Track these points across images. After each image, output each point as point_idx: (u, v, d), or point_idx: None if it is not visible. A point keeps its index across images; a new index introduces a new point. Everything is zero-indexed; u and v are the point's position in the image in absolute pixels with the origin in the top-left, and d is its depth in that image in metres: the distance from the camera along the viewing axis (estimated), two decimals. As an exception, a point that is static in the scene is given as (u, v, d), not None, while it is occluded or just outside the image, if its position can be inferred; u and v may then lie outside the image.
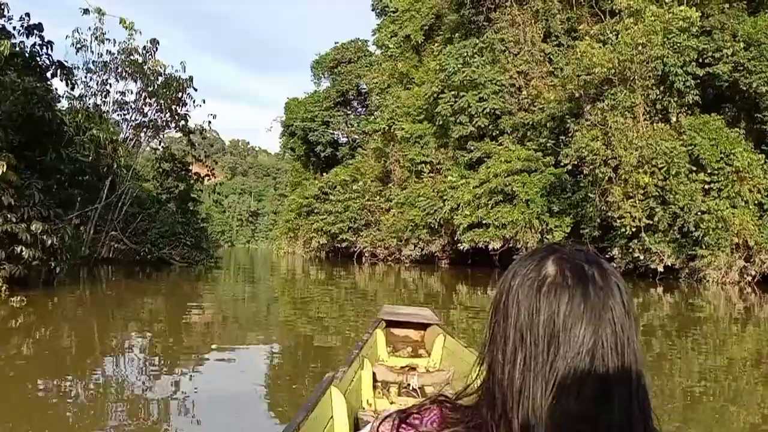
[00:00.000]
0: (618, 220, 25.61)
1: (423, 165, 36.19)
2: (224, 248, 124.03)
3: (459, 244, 32.48)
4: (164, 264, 22.73)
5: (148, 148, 25.96)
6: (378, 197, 41.94)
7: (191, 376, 6.74)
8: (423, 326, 6.15)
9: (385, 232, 39.53)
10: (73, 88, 17.82)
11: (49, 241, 11.16)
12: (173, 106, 23.69)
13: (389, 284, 24.22)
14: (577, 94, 27.86)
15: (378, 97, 43.26)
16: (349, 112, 58.04)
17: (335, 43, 58.15)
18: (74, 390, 5.93)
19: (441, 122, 34.04)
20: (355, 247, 43.12)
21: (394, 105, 39.07)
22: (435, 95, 34.52)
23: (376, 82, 43.36)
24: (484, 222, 30.00)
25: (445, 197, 33.62)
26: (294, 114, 58.31)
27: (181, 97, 23.71)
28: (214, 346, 8.78)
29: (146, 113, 23.93)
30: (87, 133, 12.94)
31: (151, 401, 5.51)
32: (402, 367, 4.86)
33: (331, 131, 56.36)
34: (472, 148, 33.71)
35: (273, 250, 61.80)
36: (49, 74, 15.22)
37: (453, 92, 33.31)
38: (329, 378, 3.21)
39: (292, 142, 59.50)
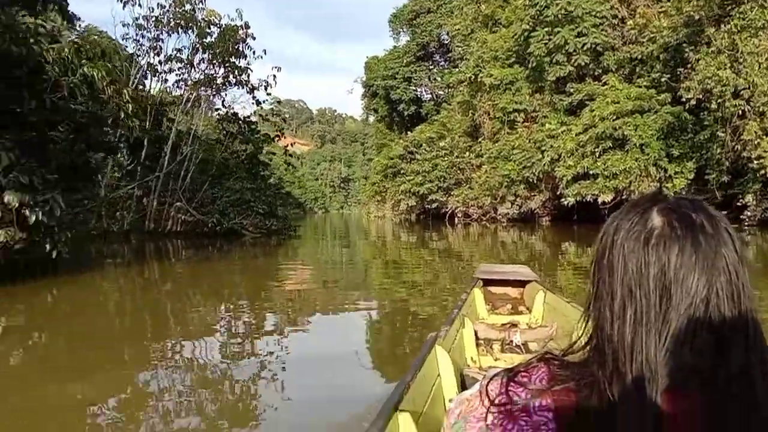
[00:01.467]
0: (755, 162, 21.73)
1: (516, 114, 32.85)
2: (319, 214, 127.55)
3: (562, 199, 29.52)
4: (235, 235, 21.34)
5: (216, 114, 24.44)
6: (468, 153, 39.07)
7: (297, 338, 6.76)
8: (521, 283, 6.05)
9: (477, 190, 36.76)
10: (70, 23, 16.05)
11: (33, 217, 8.79)
12: (231, 59, 21.77)
13: (485, 245, 22.32)
14: (697, 17, 23.66)
15: (461, 45, 39.89)
16: (431, 66, 54.91)
17: (413, -7, 54.81)
18: (184, 353, 6.09)
19: (534, 64, 30.49)
20: (446, 207, 40.64)
21: (479, 51, 35.65)
22: (526, 34, 30.95)
23: (459, 29, 39.94)
24: (591, 172, 27.21)
25: (543, 148, 30.42)
26: (374, 73, 55.95)
27: (239, 48, 21.73)
28: (312, 312, 8.64)
29: (203, 70, 22.22)
30: (77, 72, 10.34)
31: (257, 363, 5.60)
32: (503, 325, 4.80)
33: (414, 88, 53.54)
34: (571, 90, 30.31)
35: (363, 215, 60.28)
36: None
37: (546, 29, 29.71)
38: (433, 337, 3.19)
39: (375, 102, 57.26)
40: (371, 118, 62.38)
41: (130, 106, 17.61)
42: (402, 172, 43.29)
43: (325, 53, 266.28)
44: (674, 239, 0.76)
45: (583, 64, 29.54)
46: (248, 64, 22.62)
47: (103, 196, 19.01)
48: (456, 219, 40.07)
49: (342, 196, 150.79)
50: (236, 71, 22.33)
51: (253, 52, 22.26)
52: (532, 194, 33.07)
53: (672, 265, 0.75)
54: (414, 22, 53.55)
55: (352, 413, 3.78)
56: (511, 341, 4.40)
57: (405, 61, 53.34)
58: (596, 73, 30.21)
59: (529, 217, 35.15)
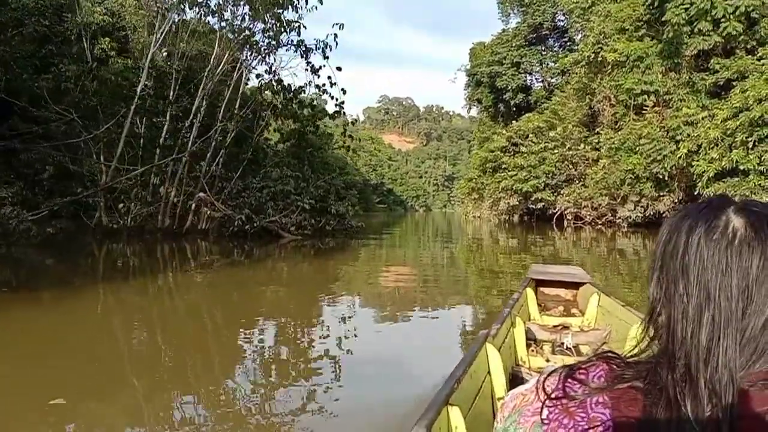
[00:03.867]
0: None
1: (645, 96, 27.23)
2: (420, 212, 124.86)
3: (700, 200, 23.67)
4: (270, 236, 17.10)
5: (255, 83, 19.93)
6: (582, 145, 33.75)
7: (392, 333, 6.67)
8: (575, 285, 5.94)
9: (592, 188, 31.41)
10: None
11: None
12: (276, 11, 17.05)
13: (599, 254, 18.83)
14: None
15: (579, 21, 34.42)
16: (544, 50, 49.36)
17: (525, -29, 49.56)
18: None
19: (670, 35, 24.87)
20: (554, 208, 35.60)
21: (601, 26, 30.21)
22: (661, -2, 25.39)
23: (577, 2, 34.50)
24: (741, 167, 21.90)
25: (678, 137, 24.91)
26: (479, 59, 51.25)
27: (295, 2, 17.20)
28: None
29: (242, 26, 17.43)
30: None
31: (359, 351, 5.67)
32: (554, 326, 4.76)
33: (522, 74, 48.29)
34: (716, 66, 24.58)
35: (462, 214, 55.71)
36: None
37: (688, -11, 24.07)
38: (484, 335, 3.18)
39: (479, 92, 52.57)
40: (474, 111, 57.50)
41: (145, 70, 14.38)
42: (503, 166, 38.38)
43: (436, 49, 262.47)
44: (757, 242, 0.74)
45: (733, 33, 23.77)
46: (300, 18, 17.87)
47: (104, 182, 15.68)
48: (565, 221, 34.90)
49: (445, 194, 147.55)
50: (282, 26, 17.58)
51: (305, 2, 17.70)
52: (661, 194, 27.40)
53: (754, 269, 0.74)
54: (525, 1, 48.37)
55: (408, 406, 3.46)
56: (562, 343, 4.36)
57: (514, 44, 48.28)
58: (749, 46, 24.62)
59: (655, 222, 29.42)
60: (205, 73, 16.86)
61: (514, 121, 41.21)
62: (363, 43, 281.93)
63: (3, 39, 16.63)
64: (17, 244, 13.43)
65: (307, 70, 18.60)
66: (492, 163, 39.57)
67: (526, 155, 36.61)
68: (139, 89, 15.73)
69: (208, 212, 16.90)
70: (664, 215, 28.48)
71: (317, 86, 18.79)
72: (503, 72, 48.14)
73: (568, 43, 48.11)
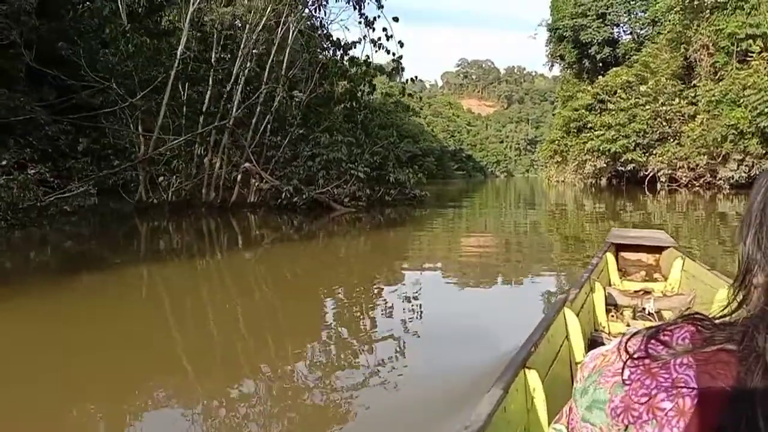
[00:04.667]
0: None
1: (750, 41, 24.26)
2: (501, 178, 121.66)
3: None
4: (321, 209, 15.71)
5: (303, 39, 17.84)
6: (677, 100, 30.89)
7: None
8: (657, 249, 5.64)
9: (689, 146, 28.75)
10: None
11: None
12: None
13: (697, 220, 17.12)
14: None
15: (673, -40, 31.16)
16: (632, -1, 45.61)
17: None
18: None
19: (782, -32, 21.85)
20: (646, 169, 32.96)
21: (698, -36, 27.15)
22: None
23: (670, -59, 31.28)
24: None
25: (791, 85, 21.98)
26: (561, 12, 48.06)
27: None
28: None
29: None
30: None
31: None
32: (635, 291, 4.63)
33: (608, 26, 44.87)
34: (839, 2, 21.29)
35: (544, 179, 53.17)
36: None
37: None
38: (562, 299, 3.15)
39: (561, 47, 49.49)
40: (556, 69, 54.25)
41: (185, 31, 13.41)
42: (589, 126, 35.81)
43: (516, 6, 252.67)
44: None
45: None
46: None
47: (142, 154, 14.86)
48: (658, 184, 32.29)
49: (528, 159, 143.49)
50: None
51: None
52: (769, 151, 24.59)
53: None
54: (612, -55, 44.72)
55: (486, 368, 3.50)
56: (644, 308, 4.28)
57: (600, -7, 44.84)
58: None
59: (762, 182, 26.51)
60: (245, 31, 15.65)
61: (600, 77, 38.34)
62: (439, 4, 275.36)
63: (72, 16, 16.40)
64: (53, 224, 12.90)
65: (360, 22, 16.71)
66: (576, 123, 37.05)
67: (614, 113, 33.97)
68: (179, 52, 14.82)
69: (256, 184, 15.91)
70: (773, 174, 25.67)
71: (372, 41, 16.91)
72: (588, 24, 44.91)
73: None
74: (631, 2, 44.92)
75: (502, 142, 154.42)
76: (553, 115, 50.93)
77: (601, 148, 34.05)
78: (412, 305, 6.21)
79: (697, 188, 29.60)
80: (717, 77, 26.70)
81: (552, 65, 53.51)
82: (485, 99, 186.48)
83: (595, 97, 36.09)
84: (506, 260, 9.69)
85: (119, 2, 14.66)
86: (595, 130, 34.74)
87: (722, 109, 24.97)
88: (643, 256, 5.80)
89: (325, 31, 17.83)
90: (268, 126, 16.75)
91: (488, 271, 8.51)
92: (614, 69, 37.88)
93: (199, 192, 15.65)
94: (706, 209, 20.97)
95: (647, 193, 30.15)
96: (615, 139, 33.31)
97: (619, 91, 34.48)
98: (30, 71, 16.92)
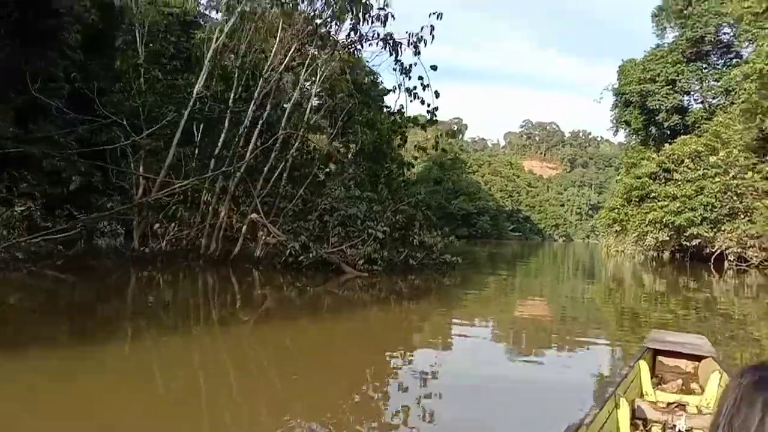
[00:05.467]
0: None
1: (837, 115, 22.09)
2: (558, 242, 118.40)
3: None
4: (331, 270, 13.94)
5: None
6: (750, 173, 28.58)
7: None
8: (697, 358, 5.41)
9: (762, 224, 26.26)
10: None
11: None
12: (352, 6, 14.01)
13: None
14: None
15: (751, 28, 29.35)
16: (705, 67, 43.60)
17: (685, -21, 44.25)
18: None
19: None
20: (712, 246, 30.46)
21: (779, 31, 25.31)
22: None
23: (748, 6, 29.49)
24: None
25: None
26: (629, 77, 46.43)
27: None
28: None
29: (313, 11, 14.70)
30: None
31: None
32: (669, 404, 4.53)
33: (678, 93, 42.86)
34: None
35: (603, 248, 50.59)
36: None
37: None
38: (575, 425, 2.97)
39: (627, 112, 47.58)
40: (621, 134, 52.17)
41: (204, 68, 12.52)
42: (652, 195, 33.64)
43: (583, 71, 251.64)
44: None
45: None
46: (386, 4, 14.47)
47: (139, 196, 13.66)
48: (725, 263, 29.73)
49: (589, 224, 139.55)
50: (363, 10, 14.14)
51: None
52: None
53: None
54: (684, 12, 43.05)
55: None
56: (674, 425, 4.03)
57: (669, 60, 42.98)
58: None
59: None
60: (265, 70, 14.40)
61: (666, 145, 36.28)
62: (507, 66, 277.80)
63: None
64: (35, 267, 11.72)
65: (395, 69, 15.18)
66: (639, 192, 34.90)
67: (680, 183, 31.83)
68: (195, 90, 13.90)
69: (263, 237, 14.39)
70: None
71: (407, 89, 15.40)
72: (656, 90, 43.03)
73: (734, 60, 42.18)
74: (704, 71, 42.92)
75: (562, 205, 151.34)
76: (616, 181, 48.62)
77: (664, 219, 31.79)
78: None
79: (769, 270, 27.04)
80: (798, 151, 24.45)
81: (617, 130, 51.52)
82: (548, 161, 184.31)
83: (660, 166, 34.02)
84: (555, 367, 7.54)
85: (137, 32, 14.08)
86: (659, 201, 32.57)
87: (803, 187, 22.67)
88: (682, 363, 5.49)
89: (349, 72, 16.46)
90: (284, 174, 15.41)
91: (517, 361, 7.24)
92: (682, 137, 35.79)
93: (198, 242, 14.38)
94: None
95: (713, 271, 27.75)
96: (680, 211, 31.05)
97: (686, 160, 32.41)
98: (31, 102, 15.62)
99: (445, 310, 11.82)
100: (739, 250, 28.65)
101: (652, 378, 5.03)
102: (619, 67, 49.50)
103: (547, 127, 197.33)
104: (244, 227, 14.50)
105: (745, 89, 29.00)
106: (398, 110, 15.91)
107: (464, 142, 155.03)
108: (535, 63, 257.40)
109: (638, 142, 48.78)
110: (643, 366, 4.92)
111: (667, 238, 33.24)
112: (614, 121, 51.11)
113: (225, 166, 14.21)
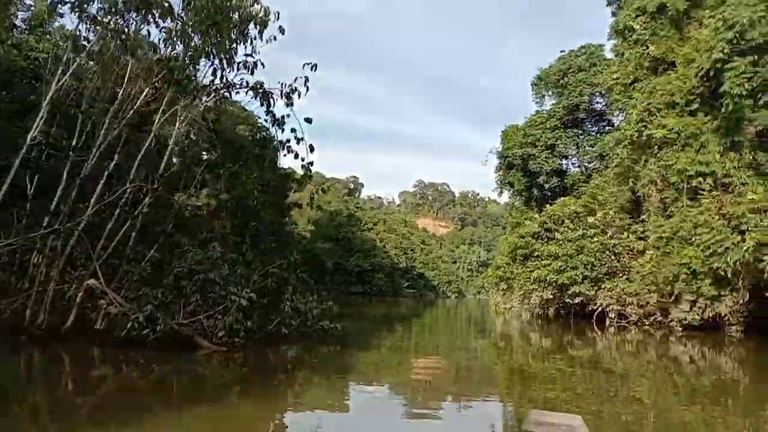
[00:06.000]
0: None
1: (700, 179, 23.50)
2: (452, 299, 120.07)
3: None
4: (181, 344, 11.88)
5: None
6: (626, 233, 29.78)
7: None
8: None
9: (638, 283, 27.30)
10: None
11: None
12: (227, 44, 12.72)
13: (647, 362, 16.47)
14: None
15: (620, 98, 31.34)
16: (581, 133, 46.33)
17: (561, 52, 47.41)
18: None
19: (729, 108, 21.43)
20: (594, 304, 31.16)
21: (645, 102, 27.02)
22: (717, 67, 22.11)
23: (617, 78, 31.57)
24: None
25: (743, 226, 20.95)
26: (511, 141, 48.44)
27: (245, 30, 13.01)
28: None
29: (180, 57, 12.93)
30: None
31: None
32: None
33: (557, 158, 45.08)
34: (787, 146, 20.90)
35: (492, 305, 51.33)
36: None
37: (750, 57, 20.84)
38: None
39: (510, 175, 49.41)
40: (506, 195, 54.02)
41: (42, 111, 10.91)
42: (536, 254, 34.37)
43: (472, 136, 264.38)
44: None
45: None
46: (254, 52, 13.34)
47: None
48: (607, 320, 30.52)
49: (479, 281, 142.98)
50: (226, 56, 12.94)
51: (271, 39, 13.11)
52: (722, 293, 23.14)
53: None
54: (561, 82, 45.87)
55: None
56: None
57: (548, 126, 45.41)
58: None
59: (713, 325, 25.02)
60: (108, 115, 12.45)
61: (548, 206, 37.59)
62: (401, 129, 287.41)
63: None
64: None
65: (265, 121, 13.88)
66: (523, 250, 35.56)
67: (561, 243, 32.67)
68: (29, 136, 11.73)
69: (105, 306, 11.93)
70: (725, 318, 24.15)
71: (280, 141, 13.81)
72: (537, 154, 45.09)
73: (606, 127, 45.22)
74: (580, 137, 45.54)
75: (454, 262, 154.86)
76: (501, 240, 50.07)
77: (547, 278, 32.36)
78: None
79: (647, 326, 27.91)
80: (667, 213, 25.77)
81: (501, 191, 53.26)
82: (440, 220, 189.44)
83: (542, 226, 34.92)
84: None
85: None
86: (542, 259, 33.19)
87: (674, 247, 23.75)
88: None
89: (220, 126, 14.76)
90: (132, 234, 13.23)
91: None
92: (562, 199, 37.23)
93: (22, 313, 11.67)
94: (657, 351, 19.59)
95: (596, 329, 28.32)
96: (562, 269, 31.73)
97: (566, 221, 33.45)
98: None
99: (319, 381, 10.65)
100: (619, 308, 29.39)
101: None
102: (503, 131, 51.64)
103: (439, 188, 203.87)
104: (80, 295, 12.07)
105: (617, 154, 30.68)
106: (270, 163, 14.62)
107: (360, 200, 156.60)
108: (426, 126, 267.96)
109: (522, 203, 50.51)
110: None
111: (552, 296, 33.87)
112: (499, 183, 52.83)
113: (59, 223, 12.01)
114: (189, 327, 11.62)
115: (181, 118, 13.17)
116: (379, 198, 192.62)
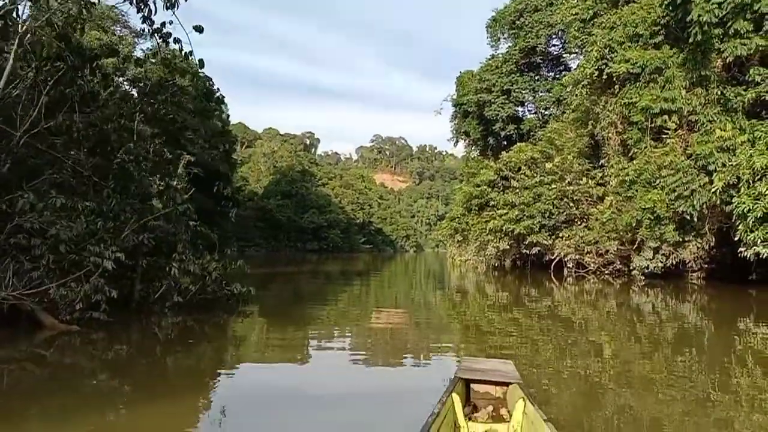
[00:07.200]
0: None
1: (665, 117, 21.89)
2: (410, 253, 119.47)
3: (741, 248, 18.79)
4: (20, 321, 9.21)
5: None
6: (585, 179, 28.28)
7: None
8: (505, 383, 5.58)
9: (598, 230, 25.95)
10: None
11: None
12: None
13: (608, 312, 15.46)
14: None
15: (580, 35, 29.35)
16: (537, 78, 44.39)
17: (517, -7, 44.96)
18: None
19: (698, 38, 19.65)
20: (552, 253, 29.86)
21: (606, 38, 25.09)
22: (684, -6, 20.25)
23: (576, 13, 29.54)
24: None
25: (711, 166, 19.53)
26: (466, 88, 46.28)
27: None
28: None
29: None
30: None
31: None
32: None
33: (513, 104, 43.14)
34: (757, 78, 19.37)
35: (448, 258, 50.01)
36: None
37: (721, -19, 19.02)
38: None
39: (466, 123, 47.41)
40: (461, 145, 52.01)
41: None
42: (491, 204, 32.72)
43: (428, 88, 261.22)
44: None
45: (779, 37, 18.68)
46: None
47: None
48: (565, 270, 29.27)
49: (435, 233, 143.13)
50: None
51: None
52: (686, 239, 21.88)
53: None
54: (517, 23, 43.61)
55: None
56: None
57: (504, 70, 43.24)
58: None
59: (674, 273, 23.96)
60: None
61: (504, 153, 35.82)
62: (358, 84, 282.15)
63: None
64: None
65: (142, 30, 10.59)
66: (478, 200, 33.85)
67: (518, 191, 31.04)
68: None
69: None
70: (688, 265, 23.01)
71: (156, 30, 10.35)
72: (492, 100, 43.04)
73: (563, 72, 43.38)
74: (536, 81, 43.62)
75: (413, 216, 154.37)
76: (455, 190, 48.23)
77: (504, 228, 30.81)
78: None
79: (607, 276, 26.80)
80: (629, 155, 24.20)
81: (457, 141, 51.26)
82: (398, 174, 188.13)
83: (498, 174, 33.21)
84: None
85: None
86: (498, 209, 31.57)
87: (637, 191, 22.24)
88: (492, 389, 5.61)
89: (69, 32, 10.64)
90: None
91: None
92: (518, 145, 35.48)
93: None
94: (617, 300, 18.57)
95: (554, 279, 27.09)
96: (519, 219, 30.21)
97: (523, 167, 31.76)
98: None
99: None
100: (577, 257, 28.20)
101: (465, 406, 5.11)
102: (457, 78, 49.48)
103: (397, 142, 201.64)
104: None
105: (576, 95, 28.89)
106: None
107: (317, 156, 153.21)
108: (383, 80, 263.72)
109: (478, 152, 48.79)
110: (456, 398, 4.89)
111: (508, 247, 32.46)
112: (454, 132, 50.89)
113: None
114: (29, 299, 8.83)
115: (22, 26, 10.18)
116: (336, 154, 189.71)
